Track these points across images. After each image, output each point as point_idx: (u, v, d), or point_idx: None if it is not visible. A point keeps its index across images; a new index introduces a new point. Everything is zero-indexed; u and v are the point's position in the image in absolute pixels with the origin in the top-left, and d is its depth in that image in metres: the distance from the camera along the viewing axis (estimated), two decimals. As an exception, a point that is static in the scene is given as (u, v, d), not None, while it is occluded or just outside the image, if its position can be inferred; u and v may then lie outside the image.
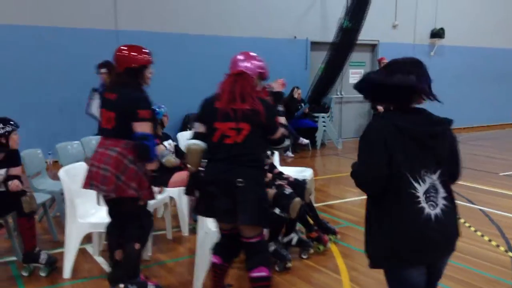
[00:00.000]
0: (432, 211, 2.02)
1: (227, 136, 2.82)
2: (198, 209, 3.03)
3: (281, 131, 3.03)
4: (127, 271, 3.24)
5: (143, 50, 3.21)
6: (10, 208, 3.69)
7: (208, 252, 3.42)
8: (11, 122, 3.68)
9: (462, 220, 4.81)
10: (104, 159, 3.11)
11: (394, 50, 11.20)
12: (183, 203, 4.50)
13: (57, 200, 4.59)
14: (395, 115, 2.09)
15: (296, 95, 9.27)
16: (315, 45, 10.23)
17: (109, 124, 3.15)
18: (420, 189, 2.02)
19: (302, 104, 9.37)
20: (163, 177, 4.59)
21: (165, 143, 4.77)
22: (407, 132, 2.02)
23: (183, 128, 8.89)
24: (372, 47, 11.16)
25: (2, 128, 3.61)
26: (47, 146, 7.77)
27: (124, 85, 3.13)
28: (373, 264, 2.14)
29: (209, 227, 3.45)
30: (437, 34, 11.67)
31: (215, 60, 9.04)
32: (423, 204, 2.01)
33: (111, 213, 3.29)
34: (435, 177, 2.05)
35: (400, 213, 2.03)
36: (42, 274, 3.70)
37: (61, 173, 3.56)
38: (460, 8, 12.05)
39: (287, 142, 3.15)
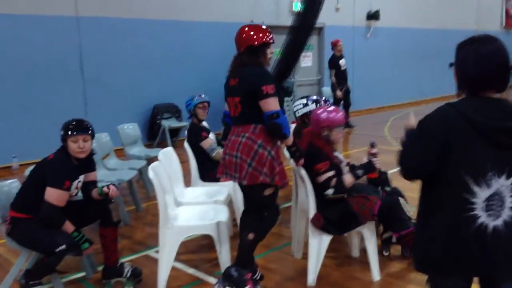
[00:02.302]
0: (491, 221, 1.76)
1: None
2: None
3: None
4: (238, 259, 3.14)
5: (263, 28, 3.10)
6: (93, 218, 3.25)
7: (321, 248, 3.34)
8: (68, 127, 3.10)
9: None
10: (236, 146, 3.02)
11: (337, 33, 11.62)
12: (239, 197, 4.27)
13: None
14: (466, 104, 1.81)
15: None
16: (271, 29, 10.18)
17: (236, 110, 3.07)
18: (481, 194, 1.76)
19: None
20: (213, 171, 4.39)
21: (210, 135, 4.51)
22: (476, 125, 1.74)
23: (153, 120, 8.41)
24: (319, 30, 11.41)
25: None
26: (10, 149, 6.96)
27: (244, 64, 3.02)
28: (417, 267, 1.98)
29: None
30: (373, 16, 12.25)
31: (177, 46, 8.72)
32: (479, 212, 1.77)
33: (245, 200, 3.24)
34: (507, 182, 1.76)
35: (448, 218, 1.81)
36: (129, 289, 3.33)
37: (150, 172, 3.19)
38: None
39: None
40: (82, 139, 3.04)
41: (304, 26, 9.58)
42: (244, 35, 3.06)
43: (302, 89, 11.34)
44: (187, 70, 8.94)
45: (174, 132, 8.66)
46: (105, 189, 3.11)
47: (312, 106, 3.97)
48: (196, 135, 4.39)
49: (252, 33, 3.05)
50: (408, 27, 13.30)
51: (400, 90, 13.30)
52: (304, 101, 4.00)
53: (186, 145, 4.42)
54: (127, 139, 5.78)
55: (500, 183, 1.75)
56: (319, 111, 3.40)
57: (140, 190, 5.61)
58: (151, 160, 5.84)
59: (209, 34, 9.16)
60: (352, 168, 3.36)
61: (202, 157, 4.37)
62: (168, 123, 8.41)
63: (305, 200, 3.57)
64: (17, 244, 3.01)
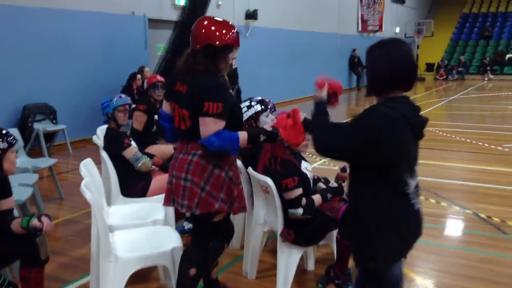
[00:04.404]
0: (418, 205, 2.02)
1: None
2: None
3: None
4: None
5: (230, 25, 2.52)
6: (13, 257, 2.45)
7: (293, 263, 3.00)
8: (8, 137, 2.42)
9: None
10: (185, 167, 2.48)
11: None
12: (171, 215, 3.66)
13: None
14: (397, 103, 1.92)
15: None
16: (152, 23, 9.51)
17: (184, 124, 2.51)
18: (412, 184, 1.96)
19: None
20: (138, 185, 3.77)
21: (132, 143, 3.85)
22: (411, 122, 1.90)
23: (23, 123, 7.16)
24: (200, 27, 10.98)
25: None
26: None
27: (197, 68, 2.46)
28: (379, 265, 2.03)
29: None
30: (251, 15, 12.21)
31: (49, 38, 7.61)
32: (413, 200, 1.98)
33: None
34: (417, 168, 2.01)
35: (392, 210, 1.96)
36: None
37: (86, 191, 2.50)
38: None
39: None
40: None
41: (191, 22, 9.12)
42: (203, 30, 2.46)
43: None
44: (63, 65, 7.85)
45: (49, 136, 7.53)
46: (35, 223, 2.33)
47: (257, 107, 3.57)
48: (116, 142, 3.69)
49: (214, 29, 2.45)
50: (283, 28, 13.59)
51: (278, 89, 13.52)
52: (248, 103, 3.58)
53: (104, 154, 3.69)
54: (8, 147, 4.73)
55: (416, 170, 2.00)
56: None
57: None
58: (39, 172, 4.93)
59: (86, 25, 8.16)
60: (322, 189, 3.10)
61: (123, 168, 3.70)
62: (42, 126, 7.26)
63: (265, 213, 3.19)
64: None
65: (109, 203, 3.61)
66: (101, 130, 4.42)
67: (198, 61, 2.47)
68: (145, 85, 4.81)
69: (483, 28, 26.42)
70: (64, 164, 6.85)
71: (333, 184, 3.15)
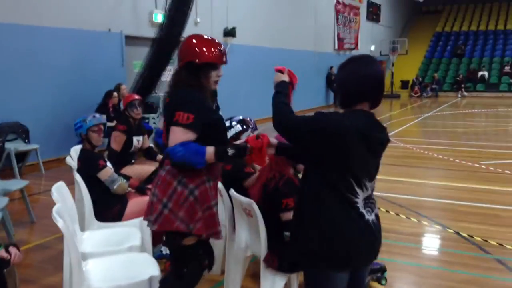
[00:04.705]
0: (369, 216, 1.99)
1: None
2: None
3: None
4: None
5: (215, 43, 2.49)
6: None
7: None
8: None
9: (383, 209, 5.31)
10: (155, 182, 2.45)
11: (196, 48, 11.26)
12: (148, 240, 3.51)
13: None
14: (356, 117, 1.97)
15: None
16: (129, 40, 9.38)
17: (165, 137, 2.49)
18: (361, 194, 1.97)
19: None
20: (114, 208, 3.63)
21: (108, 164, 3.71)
22: (366, 138, 1.93)
23: (-7, 141, 6.92)
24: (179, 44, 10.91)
25: None
26: None
27: (179, 84, 2.46)
28: (306, 264, 2.05)
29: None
30: (230, 33, 12.21)
31: (21, 54, 7.40)
32: (362, 210, 1.97)
33: None
34: (372, 184, 2.03)
35: (339, 216, 1.95)
36: None
37: (57, 218, 2.35)
38: (247, 10, 12.94)
39: None
40: None
41: (168, 39, 9.03)
42: (186, 47, 2.46)
43: (162, 106, 10.70)
44: (36, 83, 7.64)
45: (21, 156, 7.28)
46: (2, 254, 2.18)
47: (237, 128, 3.49)
48: (91, 164, 3.55)
49: (195, 46, 2.43)
50: (261, 46, 13.64)
51: (256, 106, 13.48)
52: (228, 123, 3.49)
53: (77, 177, 3.53)
54: (-24, 169, 4.53)
55: (371, 185, 2.01)
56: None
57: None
58: (10, 195, 4.71)
59: (62, 42, 7.99)
60: None
61: (98, 191, 3.55)
62: (14, 146, 7.02)
63: (247, 237, 3.08)
64: None
65: (82, 228, 3.45)
66: (75, 150, 4.27)
67: (181, 77, 2.47)
68: (122, 105, 4.68)
69: (456, 47, 27.10)
70: (37, 185, 6.62)
71: None
